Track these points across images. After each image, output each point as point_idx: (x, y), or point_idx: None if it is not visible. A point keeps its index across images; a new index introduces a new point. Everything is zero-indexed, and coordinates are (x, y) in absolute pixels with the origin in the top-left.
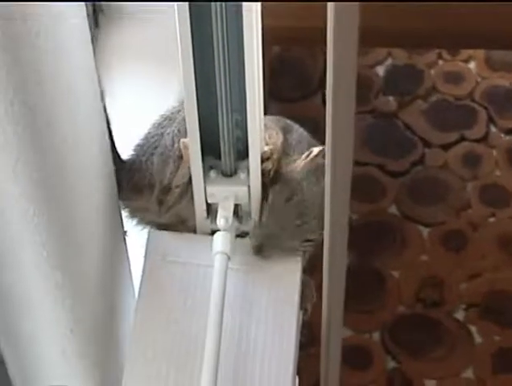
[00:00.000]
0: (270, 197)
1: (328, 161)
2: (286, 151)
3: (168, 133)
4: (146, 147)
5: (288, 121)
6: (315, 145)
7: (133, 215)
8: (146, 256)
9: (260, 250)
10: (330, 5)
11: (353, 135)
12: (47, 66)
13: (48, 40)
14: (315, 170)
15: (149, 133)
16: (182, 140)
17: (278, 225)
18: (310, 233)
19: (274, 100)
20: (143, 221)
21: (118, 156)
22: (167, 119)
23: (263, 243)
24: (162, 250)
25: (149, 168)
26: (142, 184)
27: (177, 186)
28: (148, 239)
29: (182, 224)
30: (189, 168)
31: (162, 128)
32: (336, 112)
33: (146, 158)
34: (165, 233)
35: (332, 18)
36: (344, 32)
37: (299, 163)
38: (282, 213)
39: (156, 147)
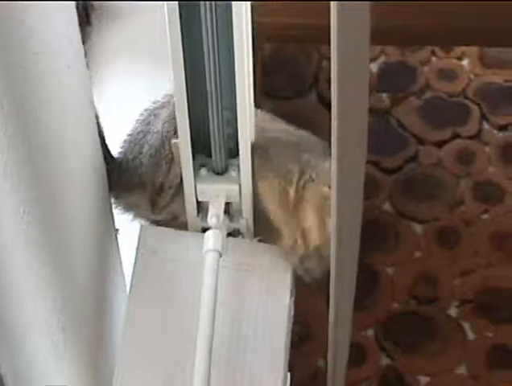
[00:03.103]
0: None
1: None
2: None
3: (156, 132)
4: (133, 145)
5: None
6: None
7: (125, 211)
8: (137, 252)
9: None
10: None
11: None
12: (37, 67)
13: (38, 42)
14: None
15: (135, 129)
16: (173, 141)
17: None
18: None
19: (268, 98)
20: (136, 216)
21: (109, 153)
22: (152, 114)
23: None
24: (153, 246)
25: (138, 168)
26: (133, 183)
27: (170, 187)
28: (140, 234)
29: (174, 220)
30: (180, 167)
31: (147, 124)
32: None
33: (134, 156)
34: (157, 229)
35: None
36: (352, 32)
37: None
38: None
39: (143, 145)
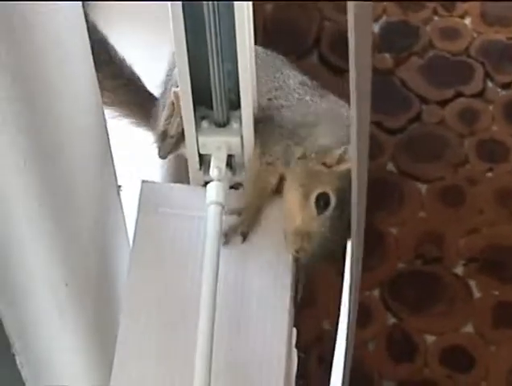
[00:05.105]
0: None
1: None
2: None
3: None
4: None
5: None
6: None
7: None
8: (139, 208)
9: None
10: None
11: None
12: (36, 14)
13: None
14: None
15: (167, 71)
16: (173, 89)
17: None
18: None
19: None
20: None
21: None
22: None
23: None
24: (154, 202)
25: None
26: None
27: (172, 137)
28: (141, 190)
29: None
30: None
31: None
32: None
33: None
34: (158, 185)
35: None
36: None
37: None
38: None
39: (165, 89)
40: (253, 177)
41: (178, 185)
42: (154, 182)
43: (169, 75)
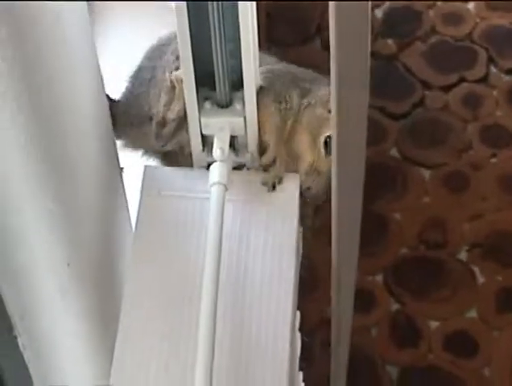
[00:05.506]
0: None
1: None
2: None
3: (161, 66)
4: (141, 80)
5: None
6: None
7: (134, 148)
8: (141, 192)
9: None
10: None
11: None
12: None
13: None
14: None
15: (142, 63)
16: (174, 73)
17: None
18: None
19: (272, 46)
20: (146, 152)
21: (107, 96)
22: (158, 50)
23: None
24: (157, 185)
25: (146, 101)
26: (141, 117)
27: (173, 120)
28: (144, 174)
29: (182, 151)
30: (184, 101)
31: (154, 60)
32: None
33: (142, 90)
34: (161, 168)
35: None
36: None
37: None
38: None
39: (150, 79)
40: (273, 127)
41: (181, 168)
42: (156, 166)
43: (148, 65)
